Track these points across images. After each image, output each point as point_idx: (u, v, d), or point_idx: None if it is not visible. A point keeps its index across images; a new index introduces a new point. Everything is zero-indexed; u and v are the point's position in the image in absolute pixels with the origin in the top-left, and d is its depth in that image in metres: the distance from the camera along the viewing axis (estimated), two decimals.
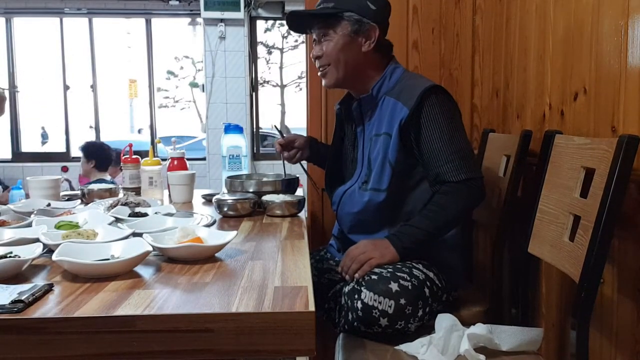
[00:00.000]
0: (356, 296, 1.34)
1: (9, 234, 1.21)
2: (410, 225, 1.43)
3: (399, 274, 1.37)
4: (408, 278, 1.36)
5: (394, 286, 1.33)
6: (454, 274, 1.52)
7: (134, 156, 2.07)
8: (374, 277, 1.35)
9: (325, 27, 1.53)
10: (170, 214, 1.49)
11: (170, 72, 8.05)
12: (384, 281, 1.33)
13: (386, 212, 1.50)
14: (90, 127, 6.09)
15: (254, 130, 5.58)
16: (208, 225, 1.40)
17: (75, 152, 4.26)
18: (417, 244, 1.42)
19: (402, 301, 1.32)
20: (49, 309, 0.82)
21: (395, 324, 1.33)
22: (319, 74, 1.61)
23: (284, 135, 1.81)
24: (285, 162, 1.82)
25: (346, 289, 1.39)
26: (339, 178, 1.71)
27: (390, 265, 1.41)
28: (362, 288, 1.33)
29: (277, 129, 1.99)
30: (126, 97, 6.92)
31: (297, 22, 1.62)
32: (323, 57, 1.55)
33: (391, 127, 1.48)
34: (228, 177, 1.85)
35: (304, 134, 1.99)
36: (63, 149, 5.71)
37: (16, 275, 0.98)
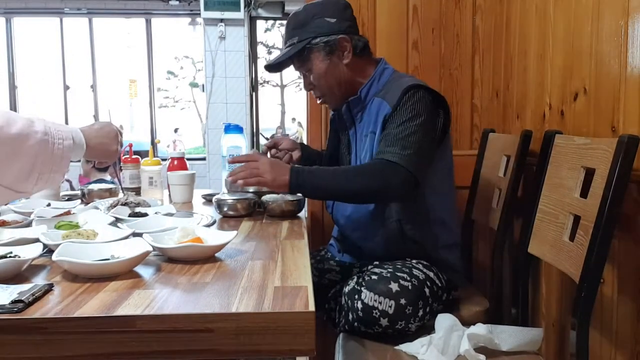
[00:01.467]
0: (356, 296, 1.34)
1: (8, 234, 1.21)
2: (321, 171, 1.40)
3: (399, 274, 1.37)
4: (408, 278, 1.36)
5: (394, 286, 1.33)
6: (454, 273, 1.52)
7: (134, 156, 2.07)
8: (374, 277, 1.35)
9: (303, 63, 1.54)
10: (170, 214, 1.49)
11: (170, 72, 8.04)
12: (384, 281, 1.33)
13: (377, 211, 1.49)
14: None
15: (254, 130, 5.58)
16: (208, 225, 1.40)
17: None
18: (313, 190, 1.39)
19: (403, 301, 1.32)
20: (49, 309, 0.82)
21: (396, 324, 1.33)
22: (318, 102, 1.64)
23: (268, 138, 1.81)
24: None
25: (346, 289, 1.39)
26: None
27: (391, 266, 1.41)
28: (362, 288, 1.34)
29: (263, 135, 2.00)
30: (126, 97, 6.92)
31: (277, 66, 1.61)
32: (316, 88, 1.57)
33: (376, 126, 1.48)
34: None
35: (304, 133, 1.98)
36: None
37: (16, 275, 0.98)
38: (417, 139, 1.37)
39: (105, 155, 1.29)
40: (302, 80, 1.67)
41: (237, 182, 1.37)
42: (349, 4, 1.58)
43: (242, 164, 1.42)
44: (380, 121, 1.45)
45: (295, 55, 1.52)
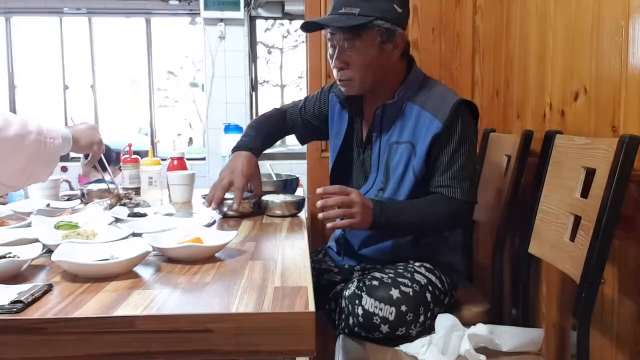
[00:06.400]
0: (357, 302, 1.33)
1: (8, 234, 1.21)
2: (400, 208, 1.38)
3: (400, 279, 1.36)
4: (409, 284, 1.35)
5: (395, 292, 1.32)
6: (456, 274, 1.51)
7: (133, 156, 2.06)
8: (375, 282, 1.34)
9: (352, 37, 1.38)
10: (170, 214, 1.49)
11: (170, 72, 8.05)
12: (384, 287, 1.33)
13: None
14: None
15: None
16: (208, 225, 1.40)
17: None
18: (393, 228, 1.38)
19: (403, 308, 1.31)
20: (48, 309, 0.82)
21: (397, 330, 1.32)
22: (339, 83, 1.48)
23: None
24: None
25: (347, 293, 1.37)
26: (345, 178, 1.63)
27: (392, 270, 1.40)
28: (363, 294, 1.32)
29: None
30: (126, 97, 6.92)
31: (317, 27, 1.47)
32: (349, 68, 1.42)
33: (415, 137, 1.43)
34: None
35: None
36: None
37: (15, 275, 0.98)
38: (470, 164, 1.43)
39: (92, 142, 1.41)
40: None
41: (327, 225, 1.29)
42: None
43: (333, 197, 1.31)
44: (428, 138, 1.39)
45: (350, 27, 1.37)
